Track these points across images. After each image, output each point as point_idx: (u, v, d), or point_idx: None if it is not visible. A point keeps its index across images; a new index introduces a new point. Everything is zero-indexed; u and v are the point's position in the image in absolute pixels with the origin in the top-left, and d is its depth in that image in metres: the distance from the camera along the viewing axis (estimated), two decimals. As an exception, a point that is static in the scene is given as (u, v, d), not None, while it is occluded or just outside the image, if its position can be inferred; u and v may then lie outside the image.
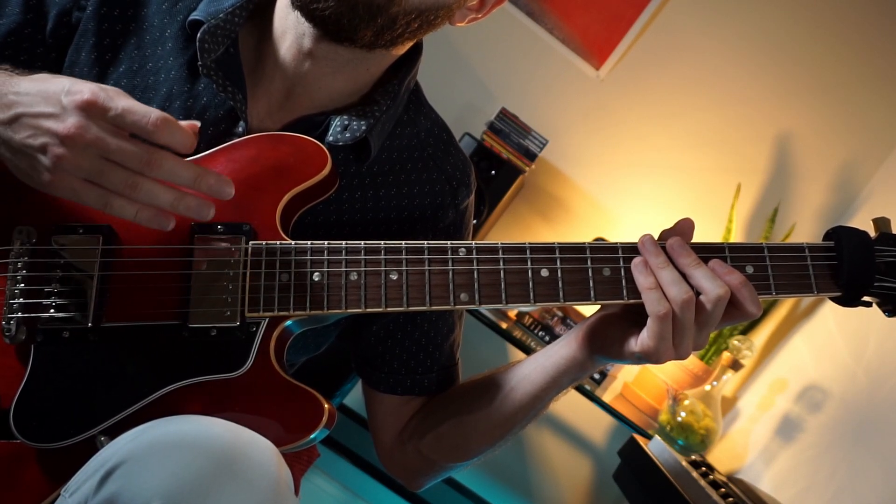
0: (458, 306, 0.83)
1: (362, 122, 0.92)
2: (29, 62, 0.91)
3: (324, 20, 0.84)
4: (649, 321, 0.80)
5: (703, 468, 1.84)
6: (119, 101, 0.71)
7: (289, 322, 0.84)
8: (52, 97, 0.72)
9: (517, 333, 2.27)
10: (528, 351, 2.17)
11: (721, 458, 2.26)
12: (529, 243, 0.85)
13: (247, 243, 0.83)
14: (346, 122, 0.92)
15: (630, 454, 1.93)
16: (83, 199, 0.73)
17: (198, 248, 0.82)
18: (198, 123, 0.78)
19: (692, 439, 2.12)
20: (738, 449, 2.25)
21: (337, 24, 0.84)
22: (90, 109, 0.70)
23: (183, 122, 0.75)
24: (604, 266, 0.84)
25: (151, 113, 0.71)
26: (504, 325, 2.26)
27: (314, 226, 0.95)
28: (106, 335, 0.80)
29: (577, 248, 0.85)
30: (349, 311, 0.82)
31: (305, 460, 1.17)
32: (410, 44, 0.95)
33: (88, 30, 0.91)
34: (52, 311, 0.80)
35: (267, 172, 0.86)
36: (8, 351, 0.80)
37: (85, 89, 0.71)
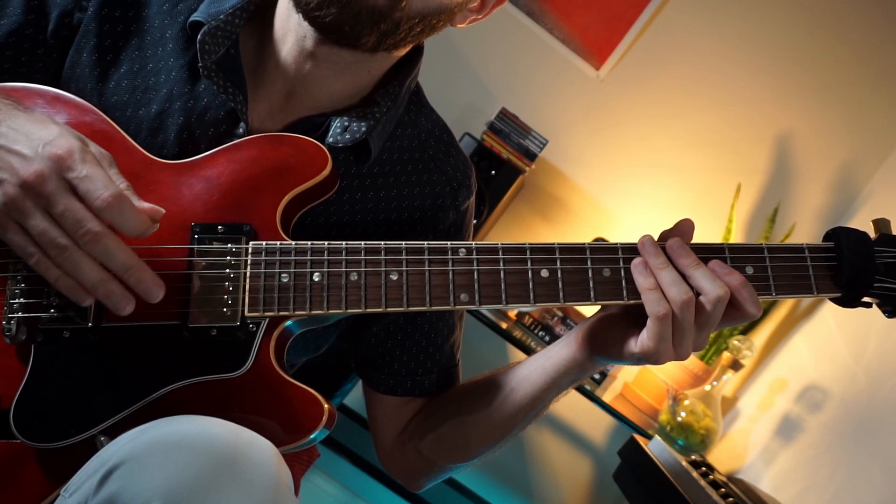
0: (458, 307, 0.83)
1: (362, 124, 0.92)
2: (30, 63, 0.91)
3: (325, 26, 0.84)
4: (649, 322, 0.80)
5: (703, 468, 1.84)
6: (87, 167, 0.71)
7: (289, 322, 0.84)
8: (33, 141, 0.72)
9: (517, 333, 2.27)
10: (528, 351, 2.17)
11: (721, 458, 2.26)
12: (529, 244, 0.85)
13: (247, 243, 0.83)
14: (347, 124, 0.92)
15: (630, 454, 1.93)
16: (14, 244, 0.73)
17: (198, 248, 0.82)
18: (162, 210, 0.77)
19: (692, 439, 2.12)
20: (738, 449, 2.25)
21: (339, 31, 0.84)
22: (58, 164, 0.71)
23: (145, 206, 0.75)
24: (604, 267, 0.84)
25: (106, 190, 0.71)
26: (504, 326, 2.26)
27: (314, 226, 0.95)
28: (106, 335, 0.80)
29: (577, 249, 0.85)
30: (349, 311, 0.82)
31: (305, 460, 1.17)
32: (412, 46, 0.95)
33: (90, 31, 0.91)
34: (52, 311, 0.80)
35: (267, 173, 0.86)
36: (8, 351, 0.80)
37: (64, 145, 0.71)
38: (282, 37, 0.92)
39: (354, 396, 1.84)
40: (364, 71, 0.94)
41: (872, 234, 0.87)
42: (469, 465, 1.06)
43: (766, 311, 2.42)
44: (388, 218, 0.99)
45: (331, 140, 0.91)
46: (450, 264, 0.84)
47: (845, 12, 2.44)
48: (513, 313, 2.41)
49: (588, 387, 2.23)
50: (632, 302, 0.83)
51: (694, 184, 2.52)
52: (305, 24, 0.86)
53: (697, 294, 0.80)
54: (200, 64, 0.87)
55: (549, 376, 0.93)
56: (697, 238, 0.85)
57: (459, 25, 0.96)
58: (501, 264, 0.84)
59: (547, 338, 2.34)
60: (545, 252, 0.84)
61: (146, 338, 0.81)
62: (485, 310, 2.21)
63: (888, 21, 2.43)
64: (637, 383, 2.42)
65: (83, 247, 0.72)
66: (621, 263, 0.84)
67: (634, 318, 0.85)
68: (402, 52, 0.95)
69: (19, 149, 0.72)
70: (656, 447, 1.83)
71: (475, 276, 0.84)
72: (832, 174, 2.48)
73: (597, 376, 2.37)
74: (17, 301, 0.79)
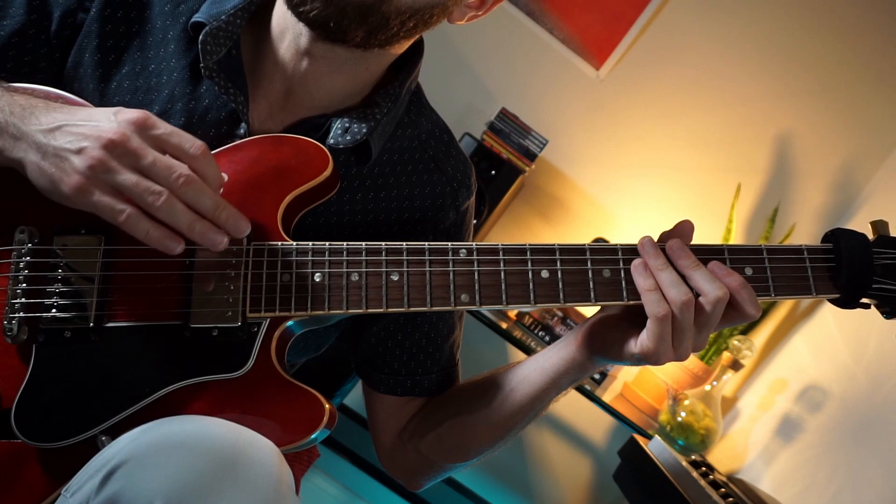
0: (458, 307, 0.84)
1: (363, 125, 0.92)
2: (32, 63, 0.91)
3: (312, 22, 0.84)
4: (649, 322, 0.81)
5: (703, 468, 1.84)
6: (166, 125, 0.76)
7: (290, 322, 0.84)
8: (100, 114, 0.75)
9: (517, 334, 2.28)
10: (528, 351, 2.17)
11: (721, 458, 2.26)
12: (530, 244, 0.85)
13: (248, 244, 0.83)
14: (347, 125, 0.92)
15: (630, 454, 1.93)
16: (101, 207, 0.74)
17: (199, 248, 0.83)
18: (226, 177, 0.82)
19: (692, 439, 2.12)
20: (738, 449, 2.26)
21: (325, 26, 0.84)
22: (138, 124, 0.74)
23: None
24: (604, 267, 0.85)
25: (196, 141, 0.76)
26: (504, 326, 2.26)
27: (315, 227, 0.95)
28: (107, 335, 0.80)
29: (578, 250, 0.85)
30: (350, 311, 0.83)
31: (305, 460, 1.18)
32: (409, 42, 0.95)
33: (92, 31, 0.91)
34: (53, 311, 0.80)
35: (268, 173, 0.86)
36: (9, 351, 0.80)
37: (134, 112, 0.75)
38: (279, 35, 0.92)
39: (354, 396, 1.84)
40: (361, 68, 0.94)
41: (871, 236, 0.87)
42: (469, 465, 1.06)
43: (766, 312, 2.43)
44: (389, 218, 1.00)
45: (331, 141, 0.92)
46: (450, 265, 0.84)
47: (845, 12, 2.44)
48: (513, 313, 2.41)
49: (588, 387, 2.23)
50: (632, 303, 0.84)
51: (694, 184, 2.53)
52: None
53: (697, 295, 0.81)
54: (202, 64, 0.87)
55: (549, 376, 0.93)
56: (697, 238, 0.85)
57: (458, 22, 0.96)
58: (502, 265, 0.84)
59: (547, 338, 2.35)
60: (545, 253, 0.85)
61: (147, 338, 0.81)
62: (485, 310, 2.21)
63: (888, 21, 2.43)
64: (637, 383, 2.42)
65: (177, 191, 0.74)
66: (621, 264, 0.84)
67: (634, 318, 0.85)
68: (400, 48, 0.95)
69: (90, 122, 0.75)
70: (656, 447, 1.84)
71: (476, 277, 0.84)
72: (832, 174, 2.49)
73: (597, 376, 2.37)
74: (18, 301, 0.80)
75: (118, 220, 0.74)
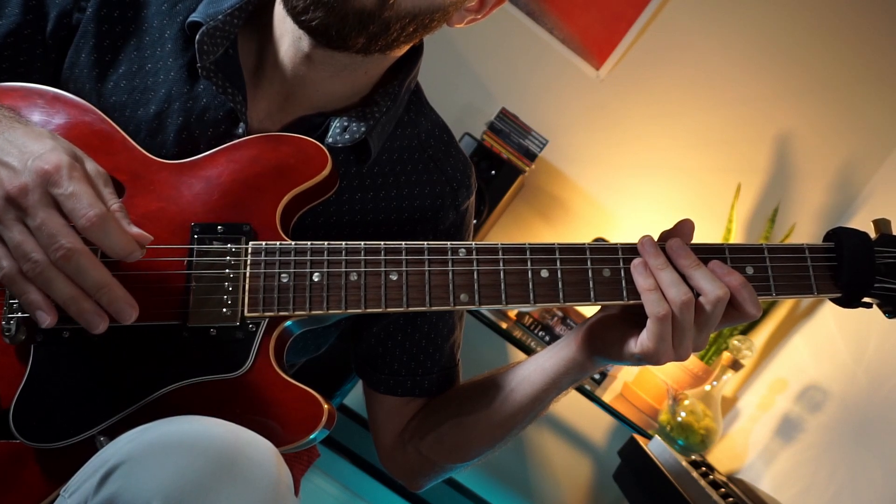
0: (458, 307, 0.83)
1: (362, 124, 0.92)
2: (28, 63, 0.91)
3: (313, 30, 0.84)
4: (649, 322, 0.80)
5: (703, 468, 1.84)
6: (73, 185, 0.70)
7: (289, 322, 0.84)
8: (25, 154, 0.72)
9: (517, 333, 2.27)
10: (528, 351, 2.17)
11: (721, 458, 2.26)
12: (529, 244, 0.85)
13: (247, 243, 0.83)
14: (346, 124, 0.92)
15: (630, 454, 1.93)
16: None
17: (198, 248, 0.82)
18: (150, 237, 0.75)
19: (692, 439, 2.12)
20: (738, 449, 2.25)
21: (326, 34, 0.84)
22: (44, 178, 0.70)
23: (134, 230, 0.73)
24: (604, 267, 0.84)
25: (91, 209, 0.70)
26: (504, 326, 2.26)
27: (314, 226, 0.95)
28: (105, 335, 0.80)
29: (577, 249, 0.85)
30: (349, 311, 0.82)
31: (305, 460, 1.17)
32: (409, 46, 0.95)
33: (88, 31, 0.91)
34: (52, 311, 0.79)
35: (267, 173, 0.86)
36: (8, 351, 0.79)
37: (53, 160, 0.71)
38: (279, 37, 0.92)
39: (354, 396, 1.84)
40: (361, 72, 0.93)
41: (873, 235, 0.86)
42: (469, 465, 1.05)
43: (766, 311, 2.42)
44: (388, 218, 0.99)
45: (330, 140, 0.91)
46: (450, 264, 0.84)
47: (845, 12, 2.44)
48: (513, 313, 2.41)
49: (588, 387, 2.23)
50: (632, 302, 0.83)
51: (694, 184, 2.52)
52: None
53: (697, 294, 0.80)
54: (199, 64, 0.86)
55: (549, 377, 0.93)
56: (697, 238, 0.85)
57: (457, 25, 0.96)
58: (501, 264, 0.84)
59: (547, 338, 2.34)
60: (545, 252, 0.84)
61: (146, 338, 0.81)
62: (485, 310, 2.21)
63: (888, 21, 2.43)
64: (637, 383, 2.42)
65: (55, 262, 0.70)
66: (621, 264, 0.84)
67: (634, 318, 0.85)
68: (399, 52, 0.95)
69: (10, 161, 0.72)
70: (656, 447, 1.83)
71: (475, 277, 0.84)
72: (832, 174, 2.48)
73: (597, 376, 2.37)
74: (16, 301, 0.79)
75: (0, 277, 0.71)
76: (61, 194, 0.70)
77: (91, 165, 0.75)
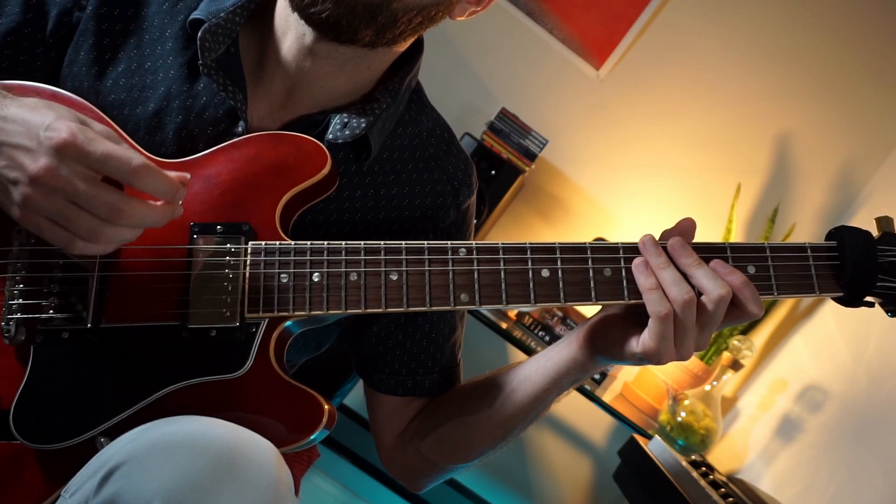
0: (458, 307, 0.83)
1: (362, 120, 0.92)
2: (29, 62, 0.91)
3: (322, 23, 0.83)
4: (650, 322, 0.80)
5: (703, 468, 1.84)
6: (99, 145, 0.69)
7: (288, 322, 0.83)
8: (32, 130, 0.70)
9: (517, 333, 2.27)
10: (529, 351, 2.17)
11: (721, 458, 2.26)
12: (530, 243, 0.84)
13: (246, 243, 0.83)
14: (346, 120, 0.92)
15: (630, 454, 1.93)
16: (48, 238, 0.72)
17: (197, 248, 0.82)
18: (188, 175, 0.77)
19: (692, 439, 2.12)
20: (738, 449, 2.25)
21: (336, 27, 0.84)
22: (65, 150, 0.68)
23: (172, 174, 0.74)
24: (605, 266, 0.84)
25: (133, 159, 0.70)
26: (504, 326, 2.25)
27: (314, 225, 0.95)
28: (105, 336, 0.80)
29: (578, 249, 0.84)
30: (349, 311, 0.82)
31: (305, 460, 1.17)
32: (413, 40, 0.95)
33: (88, 29, 0.91)
34: (51, 311, 0.79)
35: (267, 172, 0.86)
36: (7, 352, 0.79)
37: (63, 128, 0.69)
38: (281, 35, 0.91)
39: (354, 396, 1.83)
40: (364, 67, 0.93)
41: (875, 233, 0.86)
42: (470, 466, 1.05)
43: (767, 311, 2.42)
44: (389, 216, 0.99)
45: (330, 136, 0.91)
46: (450, 264, 0.84)
47: (845, 12, 2.44)
48: (513, 313, 2.40)
49: (588, 387, 2.23)
50: (633, 302, 0.83)
51: (694, 184, 2.52)
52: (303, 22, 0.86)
53: (699, 294, 0.80)
54: (200, 62, 0.86)
55: (550, 377, 0.92)
56: (697, 238, 0.85)
57: (459, 18, 0.96)
58: (502, 264, 0.84)
59: (547, 338, 2.34)
60: (546, 252, 0.84)
61: (146, 339, 0.81)
62: (485, 310, 2.21)
63: (888, 21, 2.43)
64: (637, 383, 2.42)
65: (116, 223, 0.71)
66: (622, 263, 0.84)
67: (636, 318, 0.84)
68: (403, 47, 0.94)
69: (21, 142, 0.70)
70: (656, 447, 1.83)
71: (475, 276, 0.83)
72: (832, 174, 2.48)
73: (597, 376, 2.37)
74: (16, 302, 0.79)
75: (68, 251, 0.73)
76: (94, 160, 0.69)
77: (98, 126, 0.74)
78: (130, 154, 0.70)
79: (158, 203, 0.74)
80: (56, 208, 0.70)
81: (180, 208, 0.76)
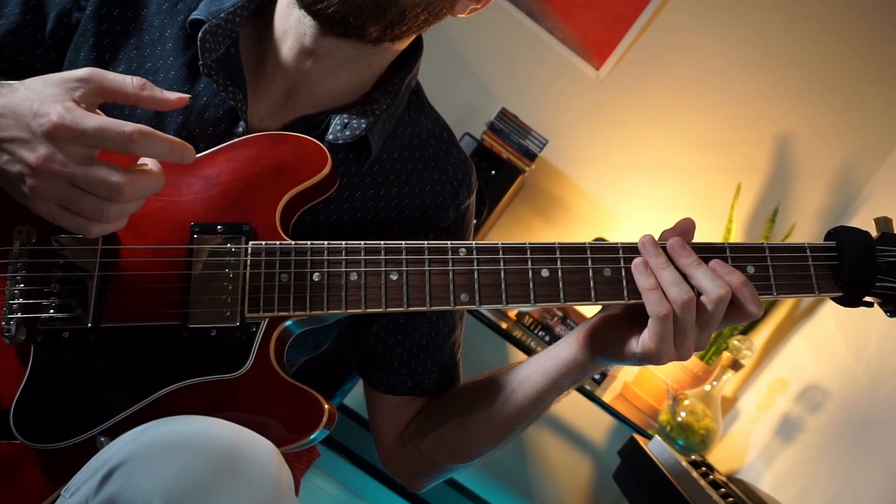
0: (458, 306, 0.83)
1: (362, 121, 0.92)
2: (28, 62, 0.91)
3: (329, 18, 0.83)
4: (650, 322, 0.80)
5: (703, 468, 1.84)
6: (89, 120, 0.69)
7: (289, 322, 0.83)
8: (22, 119, 0.70)
9: (517, 333, 2.27)
10: (529, 351, 2.17)
11: (721, 458, 2.26)
12: (530, 243, 0.84)
13: (246, 243, 0.83)
14: (346, 121, 0.92)
15: (630, 454, 1.93)
16: (64, 226, 0.73)
17: (197, 248, 0.82)
18: (187, 97, 0.77)
19: (692, 439, 2.12)
20: (738, 449, 2.25)
21: (343, 22, 0.84)
22: (57, 134, 0.68)
23: (170, 95, 0.75)
24: (604, 266, 0.84)
25: (126, 127, 0.70)
26: (504, 326, 2.26)
27: (314, 225, 0.95)
28: (106, 335, 0.80)
29: (578, 249, 0.84)
30: (349, 311, 0.82)
31: (305, 460, 1.17)
32: (413, 37, 0.95)
33: (88, 30, 0.91)
34: (51, 311, 0.79)
35: (267, 172, 0.86)
36: (8, 351, 0.79)
37: (52, 112, 0.69)
38: (282, 35, 0.91)
39: (354, 396, 1.84)
40: (365, 64, 0.93)
41: (874, 233, 0.86)
42: (470, 466, 1.05)
43: (766, 311, 2.42)
44: (389, 216, 0.99)
45: (331, 137, 0.91)
46: (450, 264, 0.84)
47: (845, 12, 2.44)
48: (513, 313, 2.40)
49: (588, 387, 2.23)
50: (632, 302, 0.83)
51: (694, 184, 2.52)
52: (306, 20, 0.86)
53: (698, 294, 0.80)
54: (201, 62, 0.86)
55: (551, 377, 0.92)
56: (697, 238, 0.85)
57: (459, 15, 0.96)
58: (502, 264, 0.84)
59: (547, 338, 2.34)
60: (545, 252, 0.84)
61: (146, 338, 0.81)
62: (485, 310, 2.21)
63: (888, 21, 2.43)
64: (637, 383, 2.42)
65: (119, 200, 0.71)
66: (622, 263, 0.84)
67: (635, 318, 0.84)
68: (404, 44, 0.94)
69: (16, 134, 0.70)
70: (656, 447, 1.83)
71: (475, 276, 0.83)
72: (832, 174, 2.48)
73: (597, 376, 2.37)
74: (16, 301, 0.79)
75: (84, 235, 0.75)
76: (88, 137, 0.69)
77: (81, 91, 0.73)
78: (123, 123, 0.70)
79: (154, 169, 0.74)
80: (61, 195, 0.70)
81: (191, 154, 0.75)
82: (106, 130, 0.69)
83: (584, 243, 0.85)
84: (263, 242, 0.83)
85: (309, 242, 0.83)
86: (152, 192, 0.74)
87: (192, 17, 0.89)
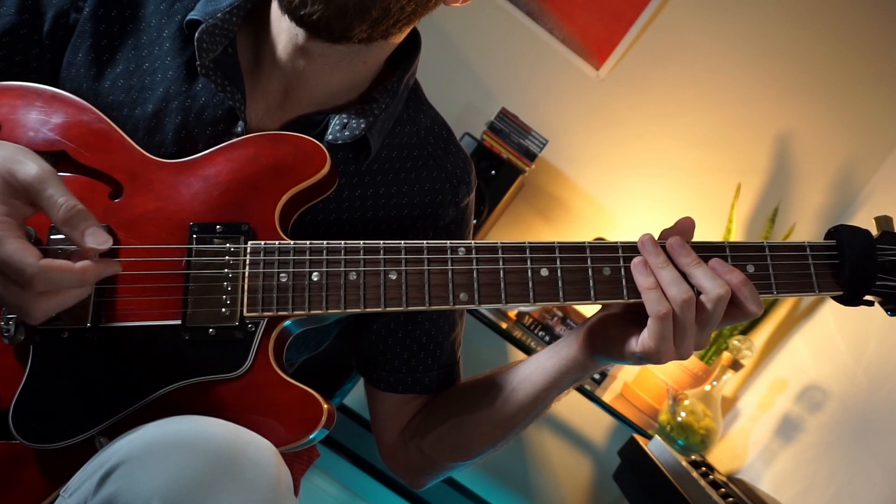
0: (457, 306, 0.83)
1: (361, 121, 0.92)
2: (24, 63, 0.91)
3: (313, 24, 0.83)
4: (650, 321, 0.80)
5: (703, 468, 1.84)
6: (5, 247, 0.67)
7: (288, 322, 0.83)
8: None
9: (517, 333, 2.27)
10: (528, 351, 2.17)
11: (721, 458, 2.26)
12: (529, 243, 0.84)
13: (245, 243, 0.83)
14: (346, 121, 0.92)
15: (630, 454, 1.93)
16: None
17: (196, 247, 0.82)
18: (105, 247, 0.73)
19: (692, 439, 2.12)
20: (738, 449, 2.25)
21: (328, 27, 0.83)
22: None
23: (88, 240, 0.71)
24: (604, 265, 0.84)
25: (26, 269, 0.67)
26: (504, 325, 2.26)
27: (314, 224, 0.95)
28: (105, 335, 0.80)
29: (577, 248, 0.84)
30: (348, 311, 0.82)
31: (305, 460, 1.17)
32: (408, 29, 0.94)
33: (86, 31, 0.91)
34: (50, 311, 0.79)
35: (266, 172, 0.86)
36: (7, 351, 0.79)
37: None
38: (276, 35, 0.91)
39: (354, 396, 1.84)
40: (360, 62, 0.93)
41: (874, 232, 0.86)
42: (471, 464, 1.05)
43: (766, 311, 2.42)
44: (388, 215, 0.99)
45: (330, 137, 0.91)
46: (449, 263, 0.84)
47: (845, 12, 2.44)
48: (513, 313, 2.40)
49: (588, 387, 2.23)
50: (632, 301, 0.83)
51: (694, 184, 2.52)
52: (295, 26, 0.86)
53: (698, 293, 0.80)
54: (198, 62, 0.86)
55: (551, 376, 0.92)
56: (697, 238, 0.85)
57: (453, 4, 0.94)
58: (501, 263, 0.84)
59: (547, 338, 2.34)
60: (545, 251, 0.84)
61: (145, 338, 0.81)
62: (484, 309, 2.21)
63: (888, 21, 2.43)
64: (637, 383, 2.42)
65: (36, 289, 0.69)
66: (621, 262, 0.84)
67: (635, 317, 0.84)
68: (398, 38, 0.94)
69: None
70: (656, 447, 1.83)
71: (474, 276, 0.83)
72: (832, 174, 2.48)
73: (597, 376, 2.37)
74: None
75: (30, 322, 0.73)
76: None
77: (25, 172, 0.71)
78: (25, 261, 0.67)
79: (76, 266, 0.71)
80: None
81: (114, 267, 0.74)
82: (7, 265, 0.68)
83: (584, 242, 0.84)
84: (262, 242, 0.83)
85: (308, 242, 0.83)
86: (69, 285, 0.71)
87: (188, 17, 0.89)
